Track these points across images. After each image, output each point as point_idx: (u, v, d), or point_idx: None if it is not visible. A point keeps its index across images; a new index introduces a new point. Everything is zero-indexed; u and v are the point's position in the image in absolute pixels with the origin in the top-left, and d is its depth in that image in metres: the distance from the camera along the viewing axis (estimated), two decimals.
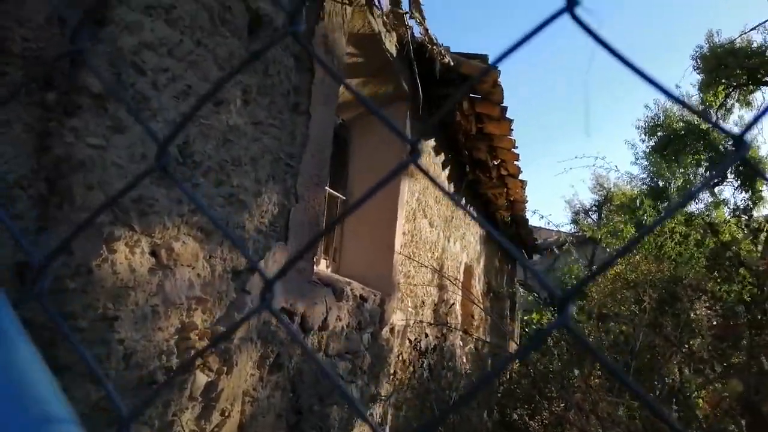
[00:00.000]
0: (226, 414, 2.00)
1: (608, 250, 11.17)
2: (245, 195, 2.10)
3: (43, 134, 1.38)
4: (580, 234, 15.34)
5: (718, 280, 6.60)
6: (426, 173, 0.61)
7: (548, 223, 13.48)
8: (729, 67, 11.43)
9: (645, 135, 15.84)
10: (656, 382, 4.08)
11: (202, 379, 1.89)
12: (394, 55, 3.62)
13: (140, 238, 1.63)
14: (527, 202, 7.62)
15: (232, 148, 2.01)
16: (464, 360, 6.45)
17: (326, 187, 2.79)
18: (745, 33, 10.73)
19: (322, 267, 3.64)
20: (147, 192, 1.64)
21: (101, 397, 1.50)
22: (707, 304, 5.32)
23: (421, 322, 4.66)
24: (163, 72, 1.69)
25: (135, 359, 1.61)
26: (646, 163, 16.07)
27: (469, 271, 6.94)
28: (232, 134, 2.01)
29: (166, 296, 1.73)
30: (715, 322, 3.98)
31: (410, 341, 3.95)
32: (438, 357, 5.07)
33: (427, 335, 4.81)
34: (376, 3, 3.22)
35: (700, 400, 2.94)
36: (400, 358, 4.03)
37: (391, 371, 3.81)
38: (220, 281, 1.99)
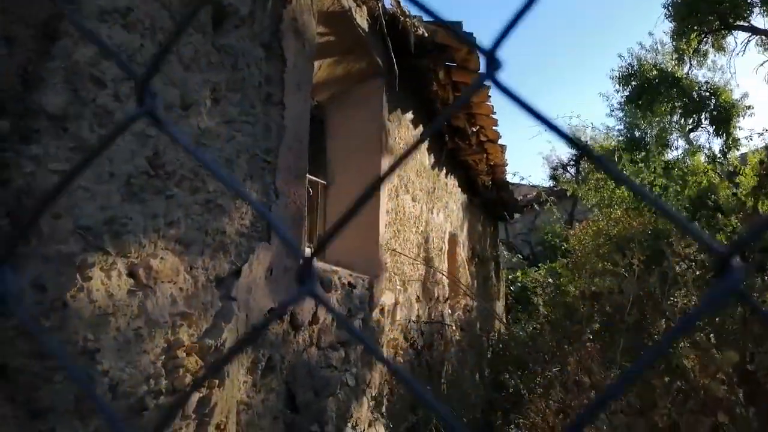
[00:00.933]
0: (222, 427, 1.95)
1: (588, 204, 11.26)
2: (223, 199, 2.00)
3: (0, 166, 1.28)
4: (558, 189, 15.44)
5: (701, 228, 6.68)
6: (506, 91, 0.50)
7: (528, 183, 13.50)
8: (701, 13, 11.36)
9: (619, 85, 15.80)
10: (646, 341, 4.12)
11: (194, 396, 1.83)
12: (366, 30, 3.49)
13: (116, 260, 1.55)
14: (507, 165, 7.59)
15: (205, 152, 1.91)
16: (453, 327, 6.48)
17: (306, 177, 2.70)
18: None
19: (306, 255, 3.57)
20: (119, 212, 1.55)
21: None
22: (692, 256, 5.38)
23: (418, 319, 4.64)
24: (125, 81, 1.57)
25: (122, 388, 1.54)
26: (621, 114, 16.10)
27: (453, 239, 6.93)
28: (205, 138, 1.90)
29: (148, 317, 1.65)
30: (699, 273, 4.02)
31: (407, 339, 3.93)
32: (430, 343, 5.08)
33: (419, 316, 4.80)
34: None
35: (691, 365, 2.97)
36: (393, 338, 4.02)
37: (384, 353, 3.80)
38: (204, 292, 1.91)
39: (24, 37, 1.35)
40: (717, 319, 3.01)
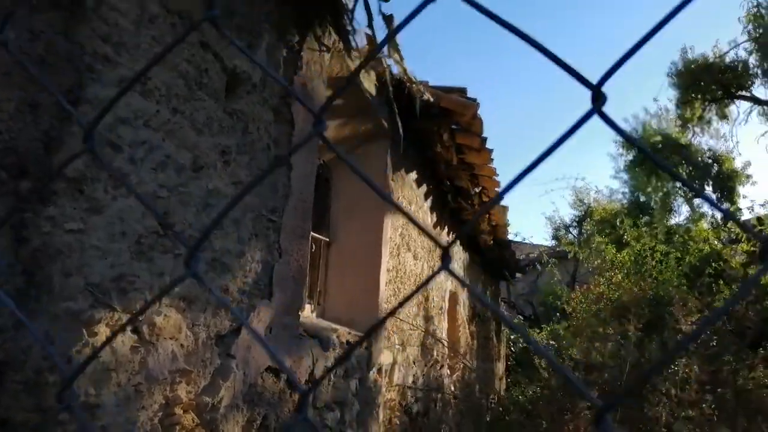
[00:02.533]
0: None
1: (589, 268, 11.26)
2: (228, 257, 2.06)
3: (19, 225, 1.34)
4: (561, 250, 15.46)
5: (699, 295, 6.66)
6: (612, 123, 0.57)
7: (529, 244, 13.53)
8: (704, 82, 11.66)
9: (623, 149, 16.07)
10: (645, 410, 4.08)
11: None
12: (374, 94, 3.63)
13: (121, 317, 1.59)
14: (509, 225, 7.66)
15: (212, 212, 1.98)
16: (452, 388, 6.40)
17: (309, 236, 2.76)
18: (721, 55, 11.00)
19: (307, 312, 3.59)
20: (127, 269, 1.60)
21: None
22: (692, 321, 5.36)
23: (414, 382, 4.62)
24: (141, 145, 1.66)
25: None
26: (626, 176, 16.31)
27: (454, 298, 6.93)
28: (213, 198, 1.98)
29: (149, 373, 1.68)
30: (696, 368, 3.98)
31: (401, 405, 3.90)
32: (417, 391, 5.03)
33: (416, 378, 4.77)
34: (354, 45, 3.22)
35: None
36: (388, 399, 3.98)
37: (380, 414, 3.76)
38: (204, 348, 1.94)
39: (48, 104, 1.43)
40: (718, 391, 2.99)
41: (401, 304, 0.65)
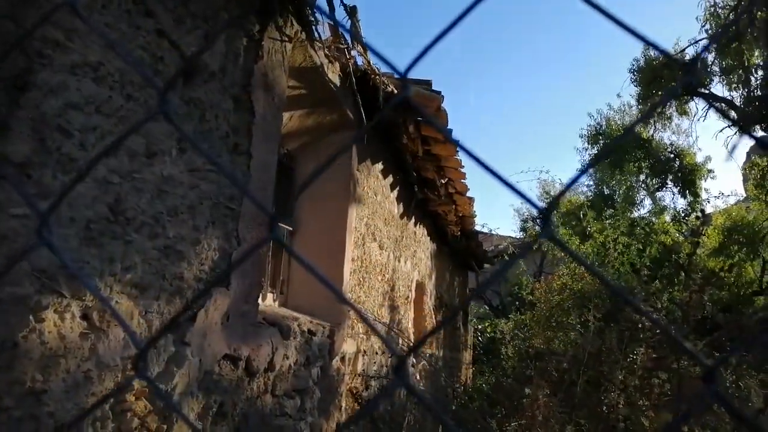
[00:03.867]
0: None
1: (554, 259, 11.46)
2: (182, 245, 2.06)
3: None
4: (529, 241, 15.68)
5: (659, 287, 6.85)
6: (562, 245, 0.59)
7: (497, 235, 13.70)
8: (665, 79, 11.91)
9: (588, 143, 16.36)
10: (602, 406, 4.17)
11: None
12: (338, 85, 3.63)
13: (70, 302, 1.58)
14: (476, 216, 7.75)
15: (167, 199, 1.98)
16: (418, 377, 6.48)
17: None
18: (680, 51, 11.23)
19: (269, 301, 3.60)
20: (76, 255, 1.60)
21: None
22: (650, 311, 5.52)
23: (377, 372, 4.66)
24: (92, 131, 1.64)
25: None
26: (591, 170, 16.58)
27: (420, 287, 6.99)
28: (167, 185, 1.97)
29: (99, 360, 1.68)
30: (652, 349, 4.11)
31: (353, 393, 3.94)
32: (381, 380, 5.08)
33: (381, 363, 4.81)
34: (317, 36, 3.22)
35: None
36: (350, 387, 4.02)
37: (342, 402, 3.80)
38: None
39: None
40: (661, 377, 3.10)
41: (475, 292, 0.67)
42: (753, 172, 12.11)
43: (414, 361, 6.51)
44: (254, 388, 2.61)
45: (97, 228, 1.67)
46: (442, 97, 4.42)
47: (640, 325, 5.14)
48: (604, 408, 3.94)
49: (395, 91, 3.99)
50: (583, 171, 0.73)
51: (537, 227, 17.55)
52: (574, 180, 0.68)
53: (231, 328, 2.38)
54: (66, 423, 1.53)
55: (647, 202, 15.53)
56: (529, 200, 0.64)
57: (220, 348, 2.30)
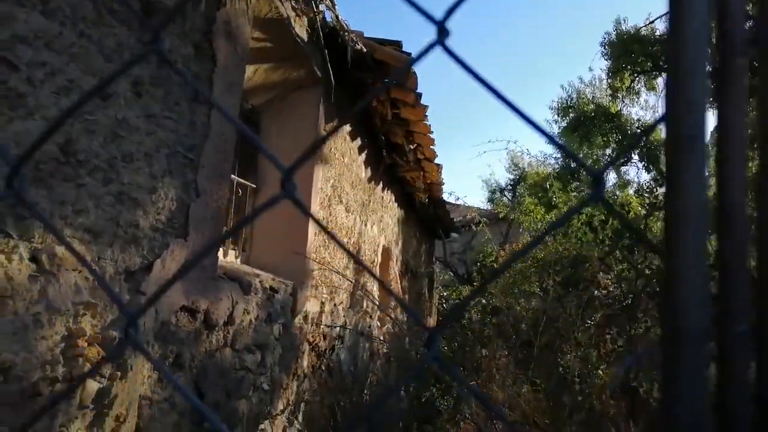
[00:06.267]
0: (121, 419, 1.94)
1: (520, 228, 11.63)
2: (138, 192, 2.01)
3: None
4: (495, 212, 15.87)
5: (619, 257, 7.02)
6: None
7: (465, 203, 13.80)
8: (635, 53, 12.01)
9: (558, 115, 16.47)
10: (559, 362, 4.30)
11: (93, 386, 1.82)
12: (305, 40, 3.56)
13: (18, 243, 1.54)
14: (444, 184, 7.78)
15: (122, 144, 1.92)
16: (381, 339, 6.56)
17: (231, 178, 2.72)
18: (650, 23, 11.30)
19: (231, 257, 3.57)
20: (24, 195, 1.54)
21: None
22: (607, 281, 5.67)
23: (342, 326, 4.69)
24: (41, 66, 1.58)
25: (14, 372, 1.52)
26: (560, 142, 16.74)
27: (386, 253, 7.02)
28: (122, 129, 1.92)
29: (49, 303, 1.64)
30: (608, 302, 4.23)
31: (309, 342, 3.96)
32: (345, 340, 5.14)
33: (346, 323, 4.84)
34: None
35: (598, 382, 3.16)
36: (313, 345, 4.04)
37: (304, 360, 3.82)
38: (112, 283, 1.91)
39: None
40: (609, 335, 3.20)
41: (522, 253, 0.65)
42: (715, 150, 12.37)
43: (378, 324, 6.58)
44: (213, 342, 2.60)
45: (46, 169, 1.62)
46: (413, 59, 4.37)
47: (596, 292, 5.28)
48: (560, 369, 4.05)
49: (364, 50, 3.93)
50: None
51: (505, 198, 17.75)
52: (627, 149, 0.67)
53: (189, 281, 2.35)
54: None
55: (612, 176, 15.80)
56: (581, 162, 0.62)
57: (177, 299, 2.27)
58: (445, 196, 8.61)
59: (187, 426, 2.37)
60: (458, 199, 13.05)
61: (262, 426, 3.10)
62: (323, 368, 4.25)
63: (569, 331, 4.57)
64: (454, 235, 13.31)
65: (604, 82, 14.83)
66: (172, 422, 2.25)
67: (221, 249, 3.35)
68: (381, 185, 6.49)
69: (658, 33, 11.38)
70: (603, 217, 9.13)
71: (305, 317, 3.89)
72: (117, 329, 1.88)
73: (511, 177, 17.45)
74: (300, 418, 3.70)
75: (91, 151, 1.77)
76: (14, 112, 1.51)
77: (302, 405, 3.75)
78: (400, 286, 7.64)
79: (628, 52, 11.50)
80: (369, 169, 5.88)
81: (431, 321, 10.92)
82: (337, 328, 4.63)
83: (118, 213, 1.91)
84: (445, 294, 12.61)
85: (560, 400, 2.98)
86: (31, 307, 1.59)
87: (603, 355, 3.02)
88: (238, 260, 3.68)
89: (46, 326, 1.64)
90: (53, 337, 1.66)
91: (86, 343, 1.79)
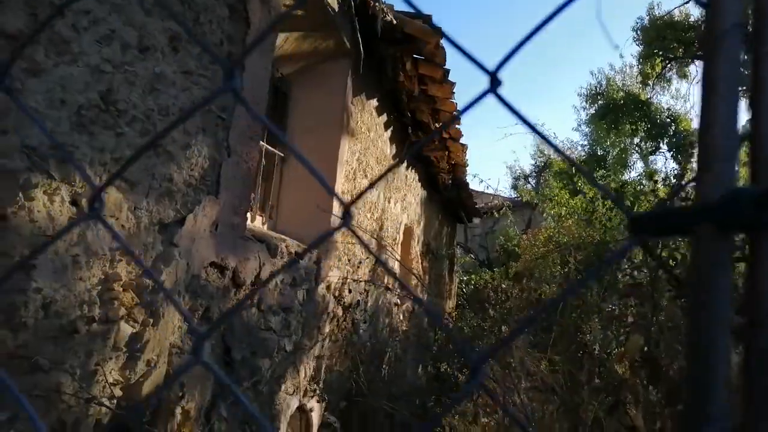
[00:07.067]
0: (152, 364, 2.01)
1: (544, 214, 11.56)
2: (173, 146, 2.06)
3: None
4: (519, 199, 15.78)
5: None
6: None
7: (487, 188, 13.72)
8: (667, 39, 11.79)
9: (586, 102, 16.26)
10: (579, 340, 4.30)
11: (126, 329, 1.89)
12: (336, 9, 3.57)
13: (59, 186, 1.60)
14: (468, 166, 7.75)
15: (159, 97, 1.97)
16: (401, 318, 6.61)
17: (262, 142, 2.76)
18: (685, 8, 11.08)
19: (258, 223, 3.62)
20: (67, 139, 1.60)
21: (18, 345, 1.49)
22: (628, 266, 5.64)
23: (357, 281, 4.74)
24: (85, 14, 1.62)
25: (54, 308, 1.59)
26: (587, 130, 16.57)
27: (408, 232, 7.05)
28: (160, 83, 1.96)
29: (88, 246, 1.70)
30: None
31: (335, 297, 4.02)
32: (366, 313, 5.19)
33: (365, 293, 4.90)
34: None
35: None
36: (335, 315, 4.10)
37: (326, 328, 3.88)
38: (146, 233, 1.97)
39: None
40: (632, 308, 3.20)
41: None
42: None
43: (399, 302, 6.62)
44: (239, 299, 2.65)
45: (88, 115, 1.67)
46: (442, 33, 4.36)
47: (619, 275, 5.26)
48: (579, 337, 4.06)
49: (394, 22, 3.93)
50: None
51: (529, 186, 17.62)
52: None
53: (219, 238, 2.41)
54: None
55: (639, 165, 15.59)
56: (622, 207, 0.63)
57: (208, 254, 2.33)
58: (468, 179, 8.60)
59: (212, 378, 2.44)
60: (482, 182, 13.01)
61: (284, 386, 3.17)
62: (344, 337, 4.31)
63: (590, 311, 4.56)
64: (476, 221, 13.27)
65: (635, 69, 14.59)
66: (200, 373, 2.32)
67: (249, 214, 3.40)
68: (405, 164, 6.50)
69: (692, 19, 11.14)
70: (629, 203, 9.05)
71: (327, 287, 3.94)
72: (186, 349, 1.94)
73: (535, 163, 17.30)
74: (320, 384, 3.77)
75: (130, 101, 1.82)
76: (60, 58, 1.56)
77: (323, 370, 3.82)
78: (420, 266, 7.67)
79: (660, 37, 11.28)
80: (393, 146, 5.90)
81: (450, 303, 10.95)
82: (360, 293, 4.68)
83: (153, 165, 1.97)
84: (464, 279, 12.62)
85: (579, 367, 3.00)
86: (71, 248, 1.65)
87: (624, 326, 3.02)
88: (265, 227, 3.74)
89: (84, 268, 1.70)
90: (90, 279, 1.72)
91: (122, 288, 1.85)
